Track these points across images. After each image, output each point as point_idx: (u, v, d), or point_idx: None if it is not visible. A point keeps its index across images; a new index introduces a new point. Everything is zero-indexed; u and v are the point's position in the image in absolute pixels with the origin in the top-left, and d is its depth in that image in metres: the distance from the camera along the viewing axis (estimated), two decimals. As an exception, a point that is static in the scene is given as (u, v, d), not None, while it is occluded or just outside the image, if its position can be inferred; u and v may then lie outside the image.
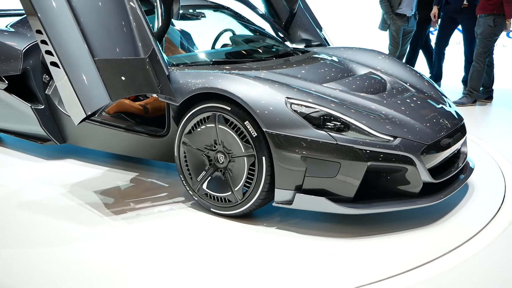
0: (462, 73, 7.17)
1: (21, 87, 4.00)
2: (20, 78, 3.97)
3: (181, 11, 3.60)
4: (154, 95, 3.26)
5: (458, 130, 3.29)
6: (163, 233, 2.95)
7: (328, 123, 2.84)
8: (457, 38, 7.51)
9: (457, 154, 3.42)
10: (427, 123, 3.10)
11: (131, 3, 3.10)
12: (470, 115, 5.73)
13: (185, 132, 3.16)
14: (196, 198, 3.20)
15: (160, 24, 3.41)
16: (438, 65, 7.22)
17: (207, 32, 4.87)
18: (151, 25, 3.20)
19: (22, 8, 2.87)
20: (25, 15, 3.59)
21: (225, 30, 4.61)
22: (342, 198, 2.82)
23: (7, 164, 4.06)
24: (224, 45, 4.50)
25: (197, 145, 3.13)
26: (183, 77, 3.19)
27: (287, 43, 4.48)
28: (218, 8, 4.61)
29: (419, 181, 2.90)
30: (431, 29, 7.31)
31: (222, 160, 3.05)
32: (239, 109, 2.92)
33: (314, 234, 2.91)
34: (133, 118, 3.80)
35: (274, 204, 2.93)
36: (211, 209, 3.14)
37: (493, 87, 6.56)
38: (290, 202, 2.87)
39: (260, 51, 4.12)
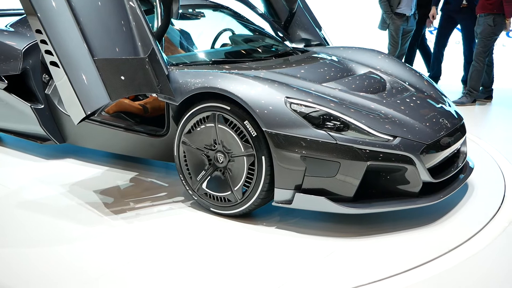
0: (461, 73, 7.17)
1: (20, 86, 4.00)
2: (19, 78, 3.97)
3: (180, 11, 3.61)
4: (154, 95, 3.26)
5: (457, 129, 3.29)
6: (162, 233, 2.95)
7: (327, 123, 2.84)
8: (456, 38, 7.51)
9: (457, 154, 3.41)
10: (427, 123, 3.10)
11: (130, 3, 3.10)
12: (469, 114, 5.72)
13: (184, 132, 3.16)
14: (195, 198, 3.20)
15: (159, 24, 3.41)
16: (437, 64, 7.21)
17: (206, 32, 4.87)
18: (150, 24, 3.20)
19: (22, 8, 2.86)
20: (25, 15, 3.58)
21: (225, 30, 4.61)
22: (342, 198, 2.82)
23: (6, 163, 4.06)
24: (224, 45, 4.50)
25: (197, 145, 3.13)
26: (182, 76, 3.19)
27: (287, 43, 4.48)
28: (217, 7, 4.61)
29: (418, 180, 2.90)
30: (427, 29, 7.31)
31: (222, 160, 3.05)
32: (239, 108, 2.92)
33: (314, 233, 2.91)
34: (132, 117, 3.80)
35: (273, 203, 2.93)
36: (211, 209, 3.14)
37: (492, 87, 6.56)
38: (289, 201, 2.87)
39: (260, 50, 4.12)
